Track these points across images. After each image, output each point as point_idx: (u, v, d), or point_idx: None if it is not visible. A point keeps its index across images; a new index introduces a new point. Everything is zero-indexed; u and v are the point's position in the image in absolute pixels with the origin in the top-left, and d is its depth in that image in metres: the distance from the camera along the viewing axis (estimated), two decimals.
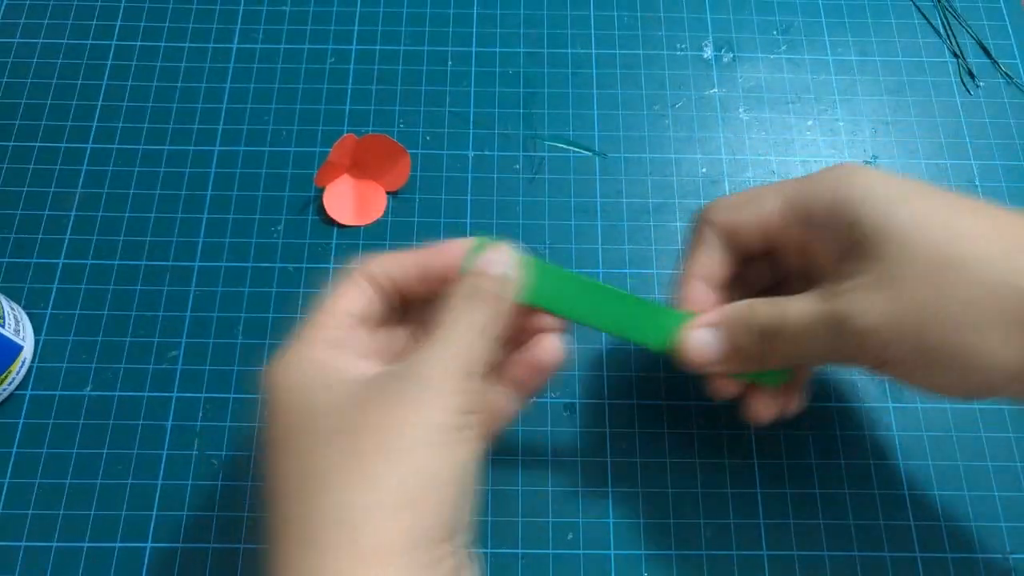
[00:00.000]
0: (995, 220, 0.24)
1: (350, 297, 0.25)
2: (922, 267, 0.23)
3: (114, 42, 0.41)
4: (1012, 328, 0.22)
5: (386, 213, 0.37)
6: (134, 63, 0.40)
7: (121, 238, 0.36)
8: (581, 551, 0.31)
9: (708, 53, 0.41)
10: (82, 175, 0.38)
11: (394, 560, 0.20)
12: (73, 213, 0.37)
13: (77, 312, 0.35)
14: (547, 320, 0.27)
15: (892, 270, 0.23)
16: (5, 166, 0.38)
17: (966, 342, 0.22)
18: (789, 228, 0.26)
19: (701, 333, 0.27)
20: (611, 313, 0.28)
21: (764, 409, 0.28)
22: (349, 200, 0.37)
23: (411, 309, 0.27)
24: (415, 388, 0.22)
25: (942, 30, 0.42)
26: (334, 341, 0.24)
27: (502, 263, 0.25)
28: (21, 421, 0.33)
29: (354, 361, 0.24)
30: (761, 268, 0.29)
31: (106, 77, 0.40)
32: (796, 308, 0.25)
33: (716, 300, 0.28)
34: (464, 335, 0.23)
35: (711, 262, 0.28)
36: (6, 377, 0.32)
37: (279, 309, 0.35)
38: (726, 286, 0.29)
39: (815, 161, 0.39)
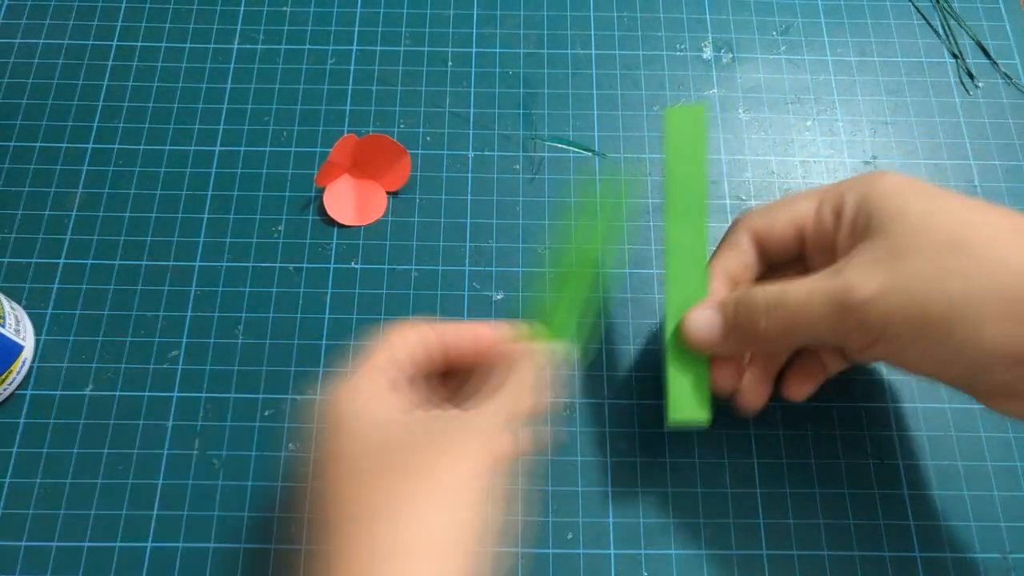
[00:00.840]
0: (1008, 216, 0.24)
1: (407, 343, 0.26)
2: (928, 246, 0.24)
3: (115, 43, 0.41)
4: (1007, 305, 0.23)
5: (386, 213, 0.37)
6: (135, 64, 0.40)
7: (122, 238, 0.36)
8: (581, 551, 0.31)
9: (707, 54, 0.41)
10: (83, 175, 0.38)
11: None
12: (74, 213, 0.37)
13: (78, 312, 0.35)
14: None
15: (899, 247, 0.24)
16: (6, 166, 0.38)
17: (962, 317, 0.23)
18: (822, 226, 0.27)
19: (703, 312, 0.28)
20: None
21: (753, 397, 0.30)
22: (349, 200, 0.37)
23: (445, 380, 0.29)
24: (466, 437, 0.24)
25: (941, 31, 0.42)
26: (392, 381, 0.25)
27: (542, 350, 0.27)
28: (21, 421, 0.33)
29: (409, 401, 0.25)
30: (789, 275, 0.30)
31: (107, 78, 0.40)
32: (798, 284, 0.26)
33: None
34: (511, 395, 0.25)
35: (734, 261, 0.29)
36: (6, 377, 0.32)
37: (279, 309, 0.35)
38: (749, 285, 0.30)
39: (814, 161, 0.39)
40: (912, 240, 0.24)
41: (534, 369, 0.27)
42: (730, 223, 0.30)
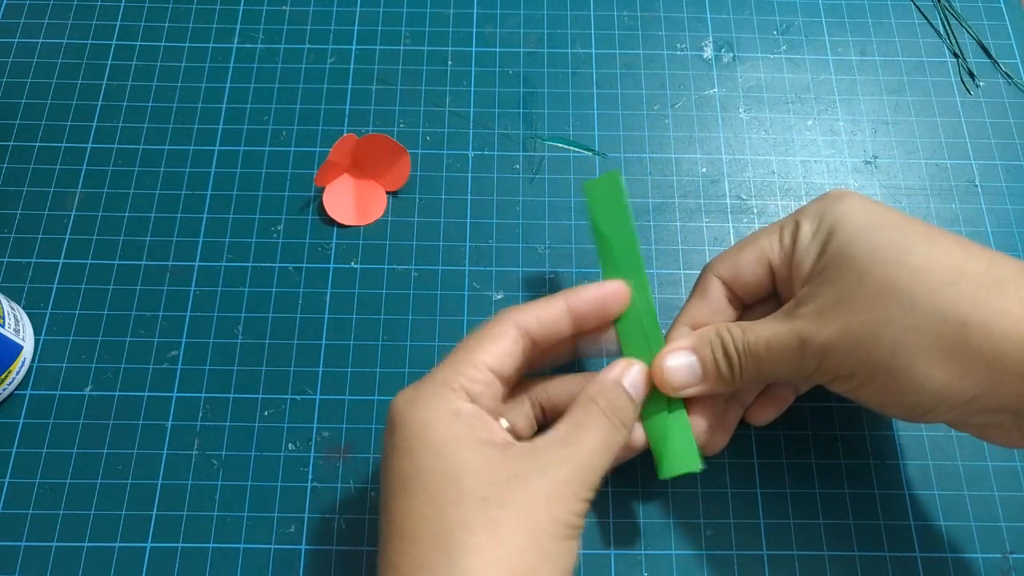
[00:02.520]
0: (945, 253, 0.24)
1: (497, 349, 0.26)
2: (867, 293, 0.24)
3: (114, 42, 0.41)
4: (940, 354, 0.23)
5: (386, 213, 0.37)
6: (134, 63, 0.40)
7: (121, 238, 0.36)
8: (581, 551, 0.31)
9: (708, 53, 0.41)
10: (82, 175, 0.38)
11: None
12: (73, 213, 0.37)
13: (77, 312, 0.35)
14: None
15: (843, 295, 0.25)
16: (5, 166, 0.38)
17: (902, 363, 0.24)
18: (785, 258, 0.28)
19: (678, 356, 0.28)
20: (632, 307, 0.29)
21: (763, 413, 0.31)
22: (349, 200, 0.37)
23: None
24: (558, 483, 0.23)
25: (942, 30, 0.42)
26: (472, 392, 0.25)
27: (637, 383, 0.27)
28: (21, 421, 0.33)
29: (488, 421, 0.25)
30: (765, 311, 0.30)
31: (106, 77, 0.40)
32: (758, 328, 0.27)
33: None
34: (601, 451, 0.25)
35: (704, 311, 0.29)
36: (6, 377, 0.32)
37: (279, 309, 0.35)
38: None
39: (815, 161, 0.39)
40: (854, 288, 0.25)
41: (624, 428, 0.26)
42: (700, 271, 0.30)
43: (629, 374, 0.27)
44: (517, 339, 0.26)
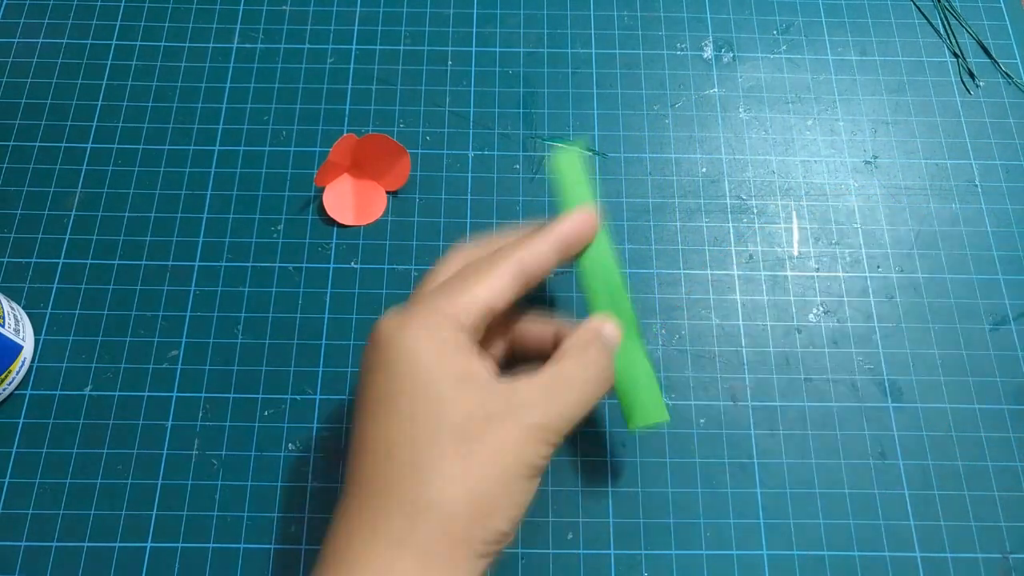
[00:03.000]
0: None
1: (496, 284, 0.26)
2: None
3: (114, 42, 0.41)
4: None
5: (386, 213, 0.37)
6: (134, 63, 0.40)
7: (121, 238, 0.36)
8: (581, 551, 0.31)
9: (708, 53, 0.41)
10: (82, 175, 0.38)
11: (459, 555, 0.23)
12: (73, 213, 0.37)
13: (77, 312, 0.35)
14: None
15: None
16: (5, 166, 0.38)
17: None
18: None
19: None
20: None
21: None
22: (349, 200, 0.37)
23: None
24: (533, 428, 0.24)
25: (942, 30, 0.42)
26: (463, 323, 0.25)
27: (614, 338, 0.28)
28: (21, 421, 0.33)
29: (473, 352, 0.25)
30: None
31: (106, 77, 0.40)
32: None
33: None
34: (581, 403, 0.26)
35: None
36: (6, 377, 0.32)
37: (279, 309, 0.35)
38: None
39: (815, 161, 0.39)
40: None
41: (608, 382, 0.27)
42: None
43: (607, 328, 0.28)
44: (518, 275, 0.26)
